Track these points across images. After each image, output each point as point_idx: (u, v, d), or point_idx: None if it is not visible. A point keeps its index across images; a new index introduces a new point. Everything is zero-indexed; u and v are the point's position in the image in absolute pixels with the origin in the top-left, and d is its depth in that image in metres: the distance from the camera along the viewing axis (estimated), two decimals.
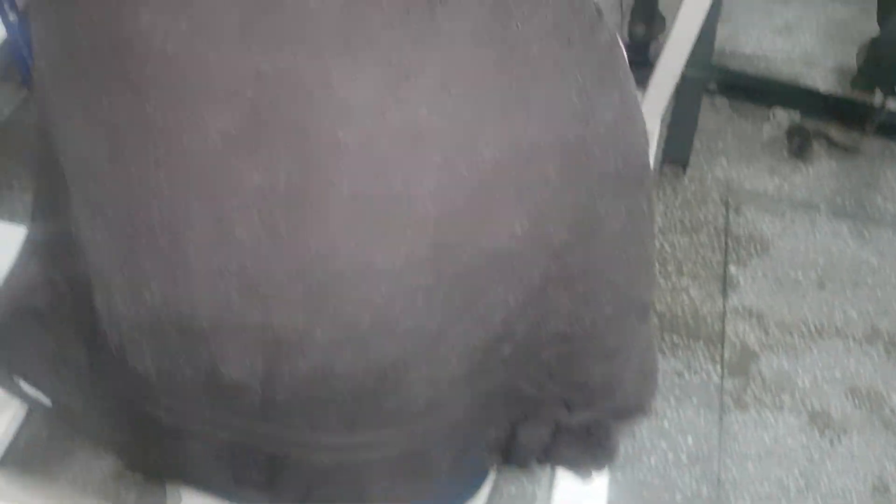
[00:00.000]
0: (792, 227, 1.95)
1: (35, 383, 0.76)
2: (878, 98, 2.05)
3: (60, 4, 0.59)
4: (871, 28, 2.41)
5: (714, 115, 2.21)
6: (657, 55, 1.86)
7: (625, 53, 0.62)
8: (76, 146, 0.62)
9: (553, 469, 0.79)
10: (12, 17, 1.17)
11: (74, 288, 0.75)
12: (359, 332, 0.60)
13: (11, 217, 1.81)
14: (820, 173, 2.08)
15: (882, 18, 2.03)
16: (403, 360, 0.63)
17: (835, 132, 2.12)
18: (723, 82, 2.23)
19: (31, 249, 0.78)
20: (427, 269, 0.59)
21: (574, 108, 0.57)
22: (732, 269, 1.85)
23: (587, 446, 0.76)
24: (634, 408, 0.77)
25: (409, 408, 0.66)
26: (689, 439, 1.55)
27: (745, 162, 2.09)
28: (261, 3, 0.54)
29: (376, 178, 0.55)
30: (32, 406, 0.78)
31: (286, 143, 0.55)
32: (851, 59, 2.33)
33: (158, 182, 0.58)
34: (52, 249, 0.75)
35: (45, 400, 0.76)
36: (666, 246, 1.87)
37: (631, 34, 2.16)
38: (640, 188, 0.64)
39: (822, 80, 2.31)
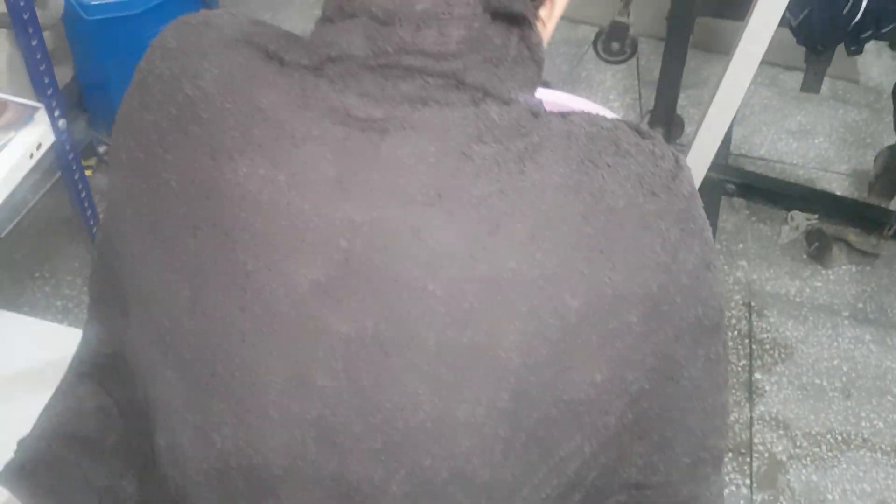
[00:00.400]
0: (815, 332, 1.94)
1: None
2: (895, 204, 2.07)
3: (150, 148, 0.59)
4: (884, 131, 2.46)
5: (733, 215, 2.22)
6: None
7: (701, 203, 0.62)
8: (151, 283, 0.62)
9: None
10: (62, 123, 1.18)
11: (127, 417, 0.73)
12: (435, 486, 0.58)
13: (33, 307, 1.80)
14: (840, 278, 2.08)
15: None
16: None
17: (853, 236, 2.14)
18: (740, 184, 2.26)
19: (80, 371, 0.76)
20: (506, 421, 0.58)
21: (658, 258, 0.57)
22: (758, 375, 1.83)
23: None
24: None
25: None
26: None
27: (765, 264, 2.09)
28: (357, 157, 0.54)
29: (462, 328, 0.55)
30: None
31: (375, 292, 0.54)
32: (865, 163, 2.37)
33: (242, 327, 0.57)
34: (105, 373, 0.74)
35: None
36: None
37: None
38: (717, 334, 0.64)
39: (837, 183, 2.33)
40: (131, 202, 0.62)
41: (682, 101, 2.29)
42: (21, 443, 0.75)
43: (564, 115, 0.61)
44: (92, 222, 1.34)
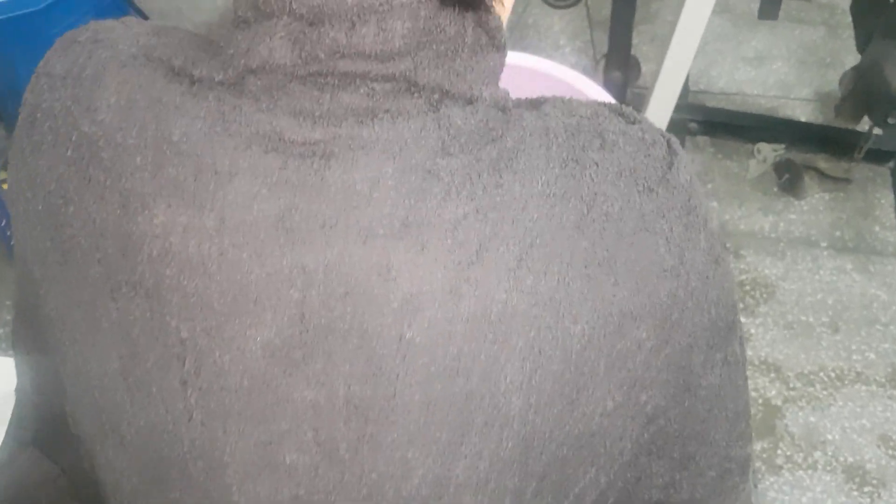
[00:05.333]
0: (795, 267, 1.89)
1: None
2: (865, 125, 2.01)
3: (49, 199, 0.49)
4: (841, 48, 2.39)
5: (698, 155, 2.15)
6: (633, 100, 1.80)
7: (701, 187, 0.54)
8: (75, 353, 0.52)
9: None
10: None
11: (79, 485, 0.64)
12: None
13: None
14: (814, 207, 2.03)
15: (861, 45, 1.99)
16: None
17: (823, 163, 2.08)
18: (703, 122, 2.18)
19: (19, 438, 0.67)
20: (514, 470, 0.50)
21: (664, 263, 0.49)
22: (742, 318, 1.78)
23: None
24: None
25: None
26: None
27: (736, 202, 2.03)
28: (299, 190, 0.45)
29: (451, 377, 0.46)
30: None
31: (343, 349, 0.46)
32: (827, 84, 2.30)
33: (187, 404, 0.48)
34: (48, 439, 0.65)
35: None
36: None
37: (606, 81, 2.10)
38: (733, 332, 0.57)
39: (801, 109, 2.27)
40: (38, 262, 0.52)
41: (634, 39, 2.19)
42: None
43: (537, 106, 0.52)
44: (8, 233, 1.20)
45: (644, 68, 2.24)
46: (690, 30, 1.61)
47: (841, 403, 1.65)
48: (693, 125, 2.17)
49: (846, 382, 1.68)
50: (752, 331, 1.76)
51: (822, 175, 2.07)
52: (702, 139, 2.18)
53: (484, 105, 0.48)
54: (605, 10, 2.10)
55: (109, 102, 0.47)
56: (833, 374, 1.69)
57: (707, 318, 0.53)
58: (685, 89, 2.26)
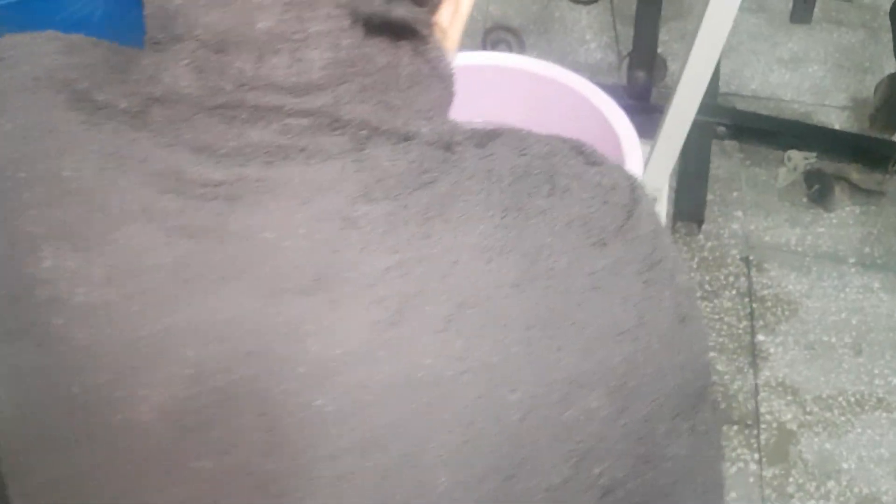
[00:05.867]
0: (820, 283, 1.81)
1: None
2: None
3: None
4: (882, 53, 2.29)
5: (724, 161, 2.07)
6: (659, 99, 1.73)
7: (670, 236, 0.48)
8: None
9: None
10: None
11: None
12: None
13: None
14: (843, 221, 1.94)
15: None
16: None
17: (856, 174, 1.98)
18: (732, 125, 2.09)
19: None
20: None
21: (619, 325, 0.44)
22: (761, 336, 1.70)
23: None
24: None
25: None
26: None
27: (762, 212, 1.94)
28: (198, 237, 0.40)
29: (367, 451, 0.41)
30: None
31: (243, 416, 0.41)
32: (864, 91, 2.20)
33: (78, 463, 0.44)
34: None
35: None
36: None
37: (630, 80, 2.03)
38: (703, 399, 0.52)
39: (836, 115, 2.17)
40: None
41: (663, 36, 2.11)
42: None
43: (489, 139, 0.46)
44: None
45: (672, 67, 2.16)
46: (716, 27, 1.53)
47: (859, 430, 1.57)
48: (721, 129, 2.09)
49: (866, 409, 1.60)
50: (772, 350, 1.69)
51: (854, 187, 1.98)
52: (730, 144, 2.10)
53: (421, 143, 0.42)
54: (633, 5, 2.02)
55: (4, 130, 0.43)
56: (853, 399, 1.62)
57: (671, 385, 0.47)
58: (714, 90, 2.18)
